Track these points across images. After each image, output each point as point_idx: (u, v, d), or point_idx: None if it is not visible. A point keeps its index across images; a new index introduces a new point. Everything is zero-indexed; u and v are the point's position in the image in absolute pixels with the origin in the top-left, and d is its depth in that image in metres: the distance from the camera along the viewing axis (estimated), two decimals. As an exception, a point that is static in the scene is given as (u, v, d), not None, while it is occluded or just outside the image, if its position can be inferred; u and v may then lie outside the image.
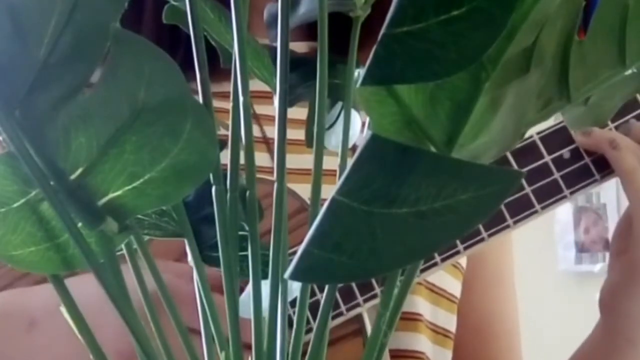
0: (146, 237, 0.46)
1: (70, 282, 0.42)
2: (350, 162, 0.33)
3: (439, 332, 0.92)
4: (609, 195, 2.96)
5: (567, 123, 0.45)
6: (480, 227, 0.81)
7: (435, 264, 0.82)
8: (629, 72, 0.42)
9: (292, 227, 0.45)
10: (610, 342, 0.86)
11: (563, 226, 3.07)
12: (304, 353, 0.43)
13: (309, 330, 0.43)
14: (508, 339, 0.99)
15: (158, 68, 0.37)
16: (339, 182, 0.33)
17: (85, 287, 0.46)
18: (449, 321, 0.94)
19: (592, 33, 0.41)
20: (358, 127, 0.50)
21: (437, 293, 0.92)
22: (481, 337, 0.97)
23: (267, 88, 0.49)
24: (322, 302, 0.42)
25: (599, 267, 2.91)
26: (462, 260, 0.94)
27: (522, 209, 0.81)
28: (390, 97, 0.37)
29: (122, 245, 0.44)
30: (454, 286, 0.94)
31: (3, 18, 0.37)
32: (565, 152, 0.81)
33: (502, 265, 0.98)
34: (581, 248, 3.06)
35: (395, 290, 0.41)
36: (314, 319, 0.42)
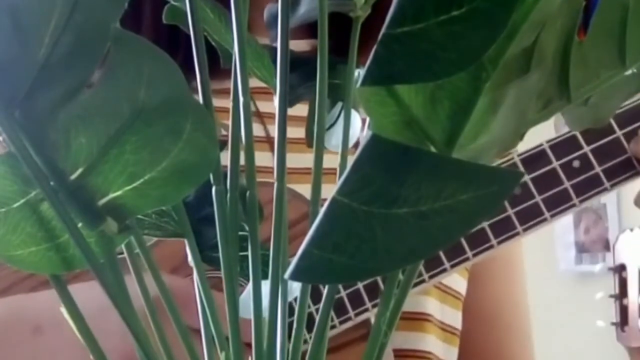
0: (148, 242, 0.46)
1: (73, 288, 0.42)
2: (350, 162, 0.33)
3: (446, 330, 0.93)
4: (609, 195, 2.96)
5: (567, 123, 0.45)
6: (490, 234, 0.82)
7: (444, 270, 0.82)
8: (629, 72, 0.42)
9: (299, 233, 0.45)
10: None
11: (563, 226, 3.08)
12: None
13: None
14: (519, 328, 0.99)
15: (158, 68, 0.37)
16: (339, 182, 0.33)
17: (87, 293, 0.46)
18: (455, 318, 0.94)
19: (592, 33, 0.41)
20: (358, 127, 0.50)
21: (444, 291, 0.92)
22: (491, 327, 0.97)
23: (270, 83, 0.49)
24: (322, 302, 0.42)
25: (599, 267, 2.91)
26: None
27: (531, 217, 0.82)
28: (390, 97, 0.37)
29: (124, 249, 0.44)
30: (460, 284, 0.94)
31: (3, 18, 0.37)
32: (575, 161, 0.82)
33: (511, 255, 0.99)
34: (581, 248, 3.06)
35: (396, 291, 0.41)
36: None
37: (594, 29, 0.41)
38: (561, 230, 3.08)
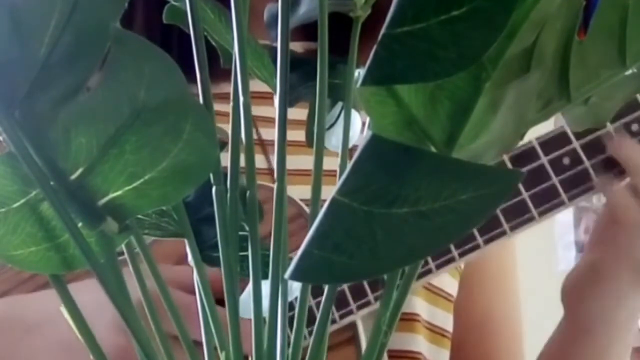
0: (148, 240, 0.46)
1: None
2: (350, 162, 0.33)
3: (436, 332, 0.92)
4: (609, 195, 2.96)
5: (567, 123, 0.45)
6: (476, 233, 0.81)
7: (429, 271, 0.82)
8: (629, 72, 0.42)
9: (289, 233, 0.45)
10: (568, 332, 0.87)
11: (563, 226, 3.07)
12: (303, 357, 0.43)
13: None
14: (510, 336, 0.99)
15: (158, 68, 0.37)
16: (339, 182, 0.33)
17: (79, 293, 0.46)
18: (446, 320, 0.94)
19: (592, 33, 0.41)
20: (358, 127, 0.50)
21: (434, 292, 0.92)
22: (482, 334, 0.97)
23: (264, 89, 0.49)
24: (322, 302, 0.42)
25: (599, 267, 2.91)
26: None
27: (519, 215, 0.81)
28: (390, 97, 0.37)
29: (124, 249, 0.44)
30: (451, 285, 0.94)
31: (3, 18, 0.37)
32: (565, 158, 0.81)
33: (504, 261, 0.98)
34: (581, 248, 3.05)
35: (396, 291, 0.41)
36: (311, 322, 0.42)
37: (594, 29, 0.41)
38: (561, 230, 3.08)
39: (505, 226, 0.81)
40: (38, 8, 0.37)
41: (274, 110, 0.42)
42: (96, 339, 0.41)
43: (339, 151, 0.48)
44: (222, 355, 0.43)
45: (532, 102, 0.40)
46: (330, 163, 0.47)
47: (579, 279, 0.86)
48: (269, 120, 0.42)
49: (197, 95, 0.43)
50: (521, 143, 0.81)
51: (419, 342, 0.90)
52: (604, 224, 0.84)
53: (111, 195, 0.39)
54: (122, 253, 0.43)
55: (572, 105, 0.41)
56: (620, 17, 0.41)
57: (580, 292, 0.85)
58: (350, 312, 0.81)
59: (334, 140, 0.50)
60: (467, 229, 0.33)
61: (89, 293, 0.46)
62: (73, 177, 0.39)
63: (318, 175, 0.44)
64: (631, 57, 0.41)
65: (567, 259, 3.06)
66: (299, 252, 0.33)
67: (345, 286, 0.81)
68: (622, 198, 0.80)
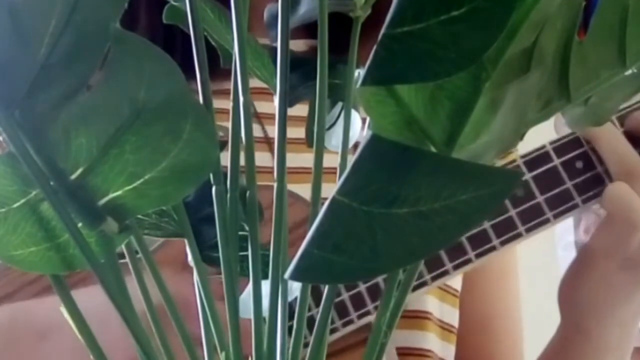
0: (155, 244, 0.46)
1: (77, 293, 0.42)
2: (350, 161, 0.33)
3: (445, 328, 0.93)
4: (609, 195, 2.95)
5: (567, 123, 0.45)
6: (492, 235, 0.82)
7: (446, 272, 0.82)
8: (629, 72, 0.42)
9: (302, 235, 0.45)
10: (562, 334, 0.87)
11: (563, 226, 3.06)
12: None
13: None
14: (510, 336, 0.99)
15: (158, 68, 0.37)
16: (339, 182, 0.33)
17: (91, 298, 0.46)
18: (453, 316, 0.94)
19: (592, 33, 0.41)
20: (358, 127, 0.50)
21: (443, 289, 0.92)
22: (483, 333, 0.97)
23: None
24: (322, 302, 0.42)
25: (599, 267, 2.90)
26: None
27: (534, 217, 0.82)
28: (390, 97, 0.37)
29: (124, 250, 0.43)
30: (457, 280, 0.94)
31: (3, 18, 0.37)
32: (578, 162, 0.82)
33: (505, 261, 0.98)
34: (581, 248, 3.05)
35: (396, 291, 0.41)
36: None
37: (594, 29, 0.41)
38: (561, 230, 3.08)
39: (521, 228, 0.82)
40: (38, 8, 0.37)
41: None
42: (104, 343, 0.41)
43: (339, 151, 0.48)
44: (222, 356, 0.43)
45: (532, 102, 0.40)
46: (333, 161, 0.47)
47: (568, 273, 0.86)
48: (274, 117, 0.42)
49: (198, 91, 0.43)
50: (535, 147, 0.82)
51: (431, 339, 0.90)
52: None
53: (111, 195, 0.39)
54: (123, 256, 0.43)
55: (572, 105, 0.41)
56: (620, 17, 0.41)
57: (570, 284, 0.86)
58: (368, 313, 0.81)
59: (334, 140, 0.50)
60: (467, 229, 0.33)
61: (94, 303, 0.46)
62: (73, 177, 0.39)
63: (318, 176, 0.44)
64: (631, 57, 0.41)
65: (567, 259, 3.05)
66: (299, 252, 0.33)
67: (362, 287, 0.81)
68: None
